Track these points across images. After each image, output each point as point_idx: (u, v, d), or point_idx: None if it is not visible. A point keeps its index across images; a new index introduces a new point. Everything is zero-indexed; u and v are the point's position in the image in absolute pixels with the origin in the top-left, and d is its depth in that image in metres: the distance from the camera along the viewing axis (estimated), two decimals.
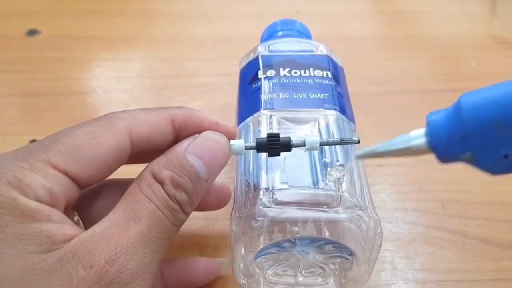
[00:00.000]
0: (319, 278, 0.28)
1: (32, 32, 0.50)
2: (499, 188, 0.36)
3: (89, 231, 0.20)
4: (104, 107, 0.43)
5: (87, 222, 0.25)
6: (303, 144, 0.24)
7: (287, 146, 0.24)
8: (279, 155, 0.24)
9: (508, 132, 0.18)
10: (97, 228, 0.20)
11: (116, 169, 0.23)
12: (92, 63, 0.47)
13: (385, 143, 0.23)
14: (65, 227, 0.20)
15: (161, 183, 0.21)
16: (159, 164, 0.22)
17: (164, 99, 0.43)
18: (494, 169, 0.19)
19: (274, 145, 0.24)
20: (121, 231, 0.20)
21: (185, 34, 0.50)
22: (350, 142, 0.24)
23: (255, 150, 0.24)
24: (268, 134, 0.24)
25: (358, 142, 0.25)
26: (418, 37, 0.51)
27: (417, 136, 0.21)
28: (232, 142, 0.24)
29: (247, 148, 0.24)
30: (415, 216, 0.34)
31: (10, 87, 0.45)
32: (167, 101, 0.43)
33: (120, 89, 0.44)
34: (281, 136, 0.24)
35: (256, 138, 0.24)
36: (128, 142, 0.22)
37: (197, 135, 0.23)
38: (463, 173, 0.36)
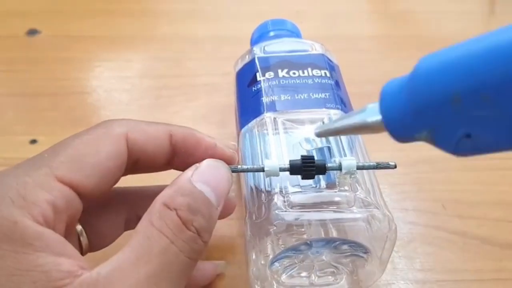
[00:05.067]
0: (332, 277, 0.28)
1: (32, 32, 0.50)
2: (499, 188, 0.36)
3: (94, 273, 0.18)
4: (104, 107, 0.43)
5: (91, 233, 0.25)
6: (339, 168, 0.24)
7: (322, 169, 0.24)
8: (313, 177, 0.24)
9: (468, 107, 0.15)
10: (103, 270, 0.18)
11: (117, 178, 0.23)
12: (92, 63, 0.47)
13: (343, 117, 0.20)
14: (61, 261, 0.18)
15: (176, 209, 0.20)
16: (169, 193, 0.21)
17: (164, 99, 0.43)
18: (457, 150, 0.16)
19: (309, 168, 0.23)
20: (129, 274, 0.18)
21: (185, 34, 0.50)
22: (387, 167, 0.24)
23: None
24: (302, 156, 0.24)
25: (395, 167, 0.24)
26: (418, 37, 0.51)
27: (373, 110, 0.18)
28: (266, 164, 0.24)
29: (281, 170, 0.24)
30: (415, 216, 0.34)
31: (10, 87, 0.45)
32: (167, 100, 0.43)
33: (120, 89, 0.44)
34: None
35: (290, 160, 0.24)
36: (125, 148, 0.22)
37: (197, 164, 0.22)
38: (463, 173, 0.36)
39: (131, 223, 0.27)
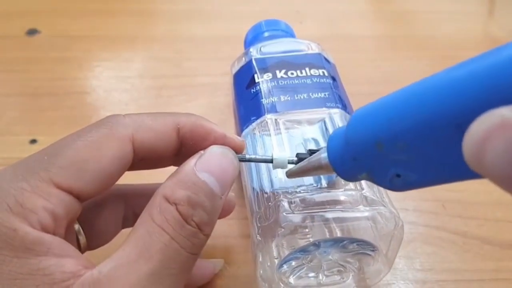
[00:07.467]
0: (339, 275, 0.28)
1: (32, 32, 0.50)
2: (499, 188, 0.35)
3: (95, 272, 0.18)
4: (104, 106, 0.43)
5: (89, 231, 0.25)
6: None
7: None
8: None
9: (389, 152, 0.17)
10: (104, 268, 0.18)
11: (119, 178, 0.22)
12: (92, 63, 0.47)
13: (308, 158, 0.22)
14: (64, 262, 0.18)
15: (175, 204, 0.20)
16: (170, 185, 0.20)
17: (164, 99, 0.43)
18: (393, 187, 0.18)
19: None
20: (130, 271, 0.18)
21: (185, 34, 0.50)
22: None
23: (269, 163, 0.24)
24: (309, 150, 0.23)
25: None
26: (417, 37, 0.51)
27: (326, 155, 0.21)
28: (275, 156, 0.24)
29: (289, 163, 0.24)
30: (415, 216, 0.34)
31: (10, 87, 0.45)
32: (167, 100, 0.43)
33: (120, 89, 0.44)
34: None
35: (297, 153, 0.24)
36: (130, 150, 0.21)
37: (202, 151, 0.22)
38: None
39: (128, 221, 0.27)
